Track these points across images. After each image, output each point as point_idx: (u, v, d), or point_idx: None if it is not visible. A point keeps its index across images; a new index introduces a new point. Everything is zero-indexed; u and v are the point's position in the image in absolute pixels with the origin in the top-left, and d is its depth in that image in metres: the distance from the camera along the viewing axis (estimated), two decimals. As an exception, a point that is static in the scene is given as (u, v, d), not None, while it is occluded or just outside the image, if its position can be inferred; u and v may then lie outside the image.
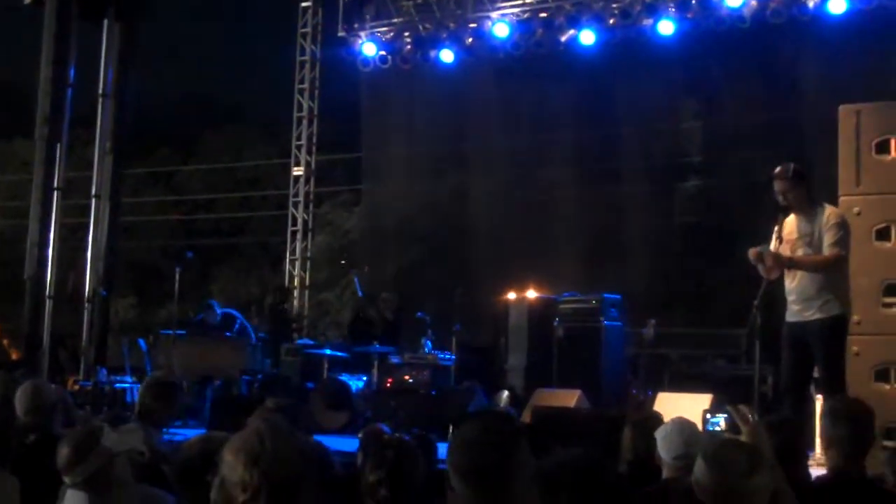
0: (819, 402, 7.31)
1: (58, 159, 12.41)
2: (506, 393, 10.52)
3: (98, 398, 10.51)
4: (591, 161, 15.81)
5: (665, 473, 4.21)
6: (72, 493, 3.32)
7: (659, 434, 4.27)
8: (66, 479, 3.33)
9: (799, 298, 6.65)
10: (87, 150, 14.07)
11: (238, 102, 35.83)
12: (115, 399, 10.36)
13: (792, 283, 6.71)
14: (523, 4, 14.16)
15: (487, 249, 15.74)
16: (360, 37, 15.21)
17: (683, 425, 4.26)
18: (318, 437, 5.75)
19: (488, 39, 14.36)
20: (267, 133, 30.90)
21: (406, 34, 14.93)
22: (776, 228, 6.74)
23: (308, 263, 16.37)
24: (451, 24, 14.54)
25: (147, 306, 30.25)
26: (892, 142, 7.75)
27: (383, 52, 15.04)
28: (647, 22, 13.32)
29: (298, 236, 16.23)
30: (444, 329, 11.79)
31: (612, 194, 15.79)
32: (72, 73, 12.63)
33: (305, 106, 16.19)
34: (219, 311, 12.43)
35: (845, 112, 8.00)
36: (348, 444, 6.05)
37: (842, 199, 7.71)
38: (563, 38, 13.87)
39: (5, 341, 19.06)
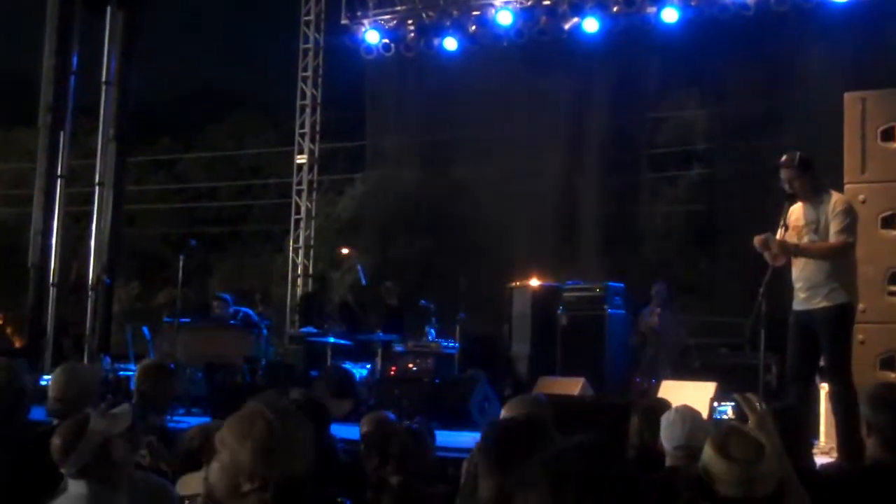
0: (823, 390, 7.31)
1: (61, 147, 12.43)
2: None
3: (102, 386, 10.50)
4: (595, 149, 15.81)
5: (668, 462, 4.21)
6: (73, 483, 3.31)
7: (663, 421, 4.26)
8: (62, 470, 3.32)
9: (805, 286, 6.57)
10: (91, 138, 14.03)
11: (241, 90, 35.77)
12: (118, 387, 10.35)
13: (799, 271, 6.63)
14: (527, -8, 14.12)
15: (492, 238, 15.74)
16: (363, 24, 15.16)
17: (686, 415, 4.23)
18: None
19: (492, 27, 14.31)
20: (269, 121, 30.84)
21: (409, 22, 14.87)
22: (783, 216, 6.69)
23: (311, 252, 16.34)
24: (455, 12, 14.49)
25: (150, 294, 30.26)
26: (898, 129, 7.73)
27: (386, 40, 14.98)
28: (651, 10, 13.28)
29: (301, 224, 16.20)
30: (447, 317, 11.79)
31: (615, 182, 15.81)
32: (75, 61, 12.65)
33: (308, 94, 16.14)
34: (232, 307, 12.17)
35: (850, 99, 7.97)
36: (352, 432, 6.04)
37: (847, 186, 7.66)
38: (567, 26, 13.82)
39: (9, 329, 19.10)
